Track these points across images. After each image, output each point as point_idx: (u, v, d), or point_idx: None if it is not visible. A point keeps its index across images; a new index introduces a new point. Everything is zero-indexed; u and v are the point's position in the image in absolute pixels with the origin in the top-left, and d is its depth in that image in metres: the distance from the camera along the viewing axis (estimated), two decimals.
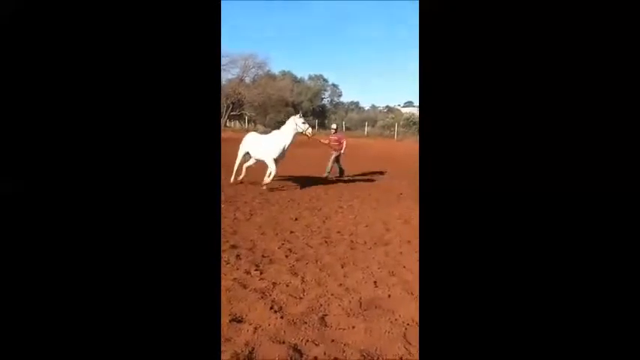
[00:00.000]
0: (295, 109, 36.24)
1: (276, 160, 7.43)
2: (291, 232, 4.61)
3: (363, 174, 10.47)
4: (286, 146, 7.53)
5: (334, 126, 10.88)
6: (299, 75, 42.28)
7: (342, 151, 9.30)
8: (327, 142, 9.69)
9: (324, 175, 9.35)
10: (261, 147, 7.73)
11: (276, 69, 41.82)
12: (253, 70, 36.43)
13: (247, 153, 7.95)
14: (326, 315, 2.60)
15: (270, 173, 7.36)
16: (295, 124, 7.51)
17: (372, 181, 9.36)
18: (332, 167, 9.49)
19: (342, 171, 9.50)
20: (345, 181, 8.97)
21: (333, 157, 9.33)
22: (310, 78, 42.65)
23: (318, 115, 37.93)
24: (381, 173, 10.83)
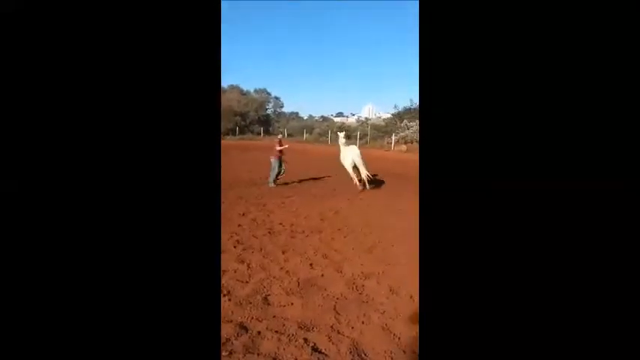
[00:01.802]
0: (242, 117, 35.46)
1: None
2: (239, 225, 4.51)
3: (305, 174, 10.50)
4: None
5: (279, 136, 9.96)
6: (245, 88, 41.37)
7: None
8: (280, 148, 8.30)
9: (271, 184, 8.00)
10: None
11: (224, 83, 40.55)
12: None
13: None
14: (269, 295, 2.59)
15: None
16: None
17: (313, 179, 9.40)
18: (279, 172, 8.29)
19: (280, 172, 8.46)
20: (288, 179, 8.92)
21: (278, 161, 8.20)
22: (255, 91, 41.87)
23: (263, 123, 37.38)
24: (317, 174, 10.94)
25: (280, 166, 8.11)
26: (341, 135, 8.39)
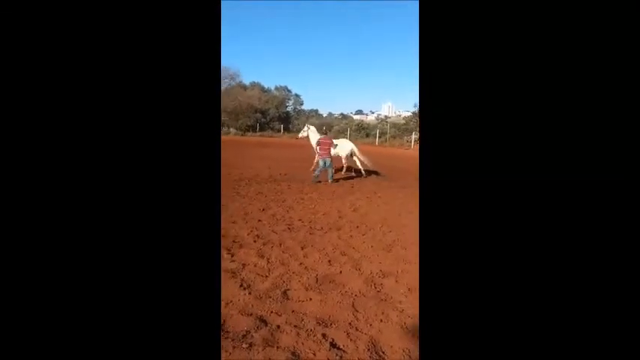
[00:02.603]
0: (263, 114, 35.76)
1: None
2: (259, 220, 4.56)
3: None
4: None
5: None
6: (267, 85, 41.69)
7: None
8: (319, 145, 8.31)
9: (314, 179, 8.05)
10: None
11: (247, 80, 40.99)
12: (226, 80, 35.67)
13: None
14: (288, 290, 2.60)
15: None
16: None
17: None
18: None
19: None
20: (306, 177, 8.94)
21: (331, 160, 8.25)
22: (276, 88, 42.12)
23: (284, 120, 37.59)
24: (339, 170, 10.90)
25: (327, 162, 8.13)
26: (312, 127, 9.08)
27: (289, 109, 42.72)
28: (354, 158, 9.16)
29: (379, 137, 26.90)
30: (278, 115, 37.64)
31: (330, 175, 8.08)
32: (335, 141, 8.74)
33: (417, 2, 1.18)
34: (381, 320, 2.24)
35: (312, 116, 47.25)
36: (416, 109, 27.02)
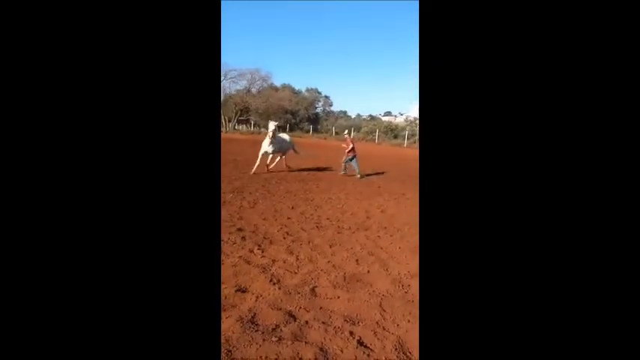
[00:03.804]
0: (293, 115, 36.13)
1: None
2: (288, 218, 4.61)
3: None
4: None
5: (346, 132, 10.30)
6: (297, 87, 42.08)
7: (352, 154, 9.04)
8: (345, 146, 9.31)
9: (340, 173, 9.14)
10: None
11: (278, 82, 41.55)
12: (258, 82, 36.40)
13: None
14: (316, 287, 2.62)
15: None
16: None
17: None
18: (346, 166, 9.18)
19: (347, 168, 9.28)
20: (333, 177, 8.96)
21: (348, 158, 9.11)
22: (307, 90, 42.42)
23: (313, 121, 37.81)
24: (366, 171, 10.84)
25: (352, 160, 8.52)
26: (271, 123, 8.80)
27: (318, 110, 42.94)
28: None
29: (408, 139, 26.44)
30: (307, 116, 37.93)
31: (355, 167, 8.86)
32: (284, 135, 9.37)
33: (417, 2, 1.18)
34: (409, 321, 2.21)
35: (341, 117, 47.18)
36: None
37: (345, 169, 9.20)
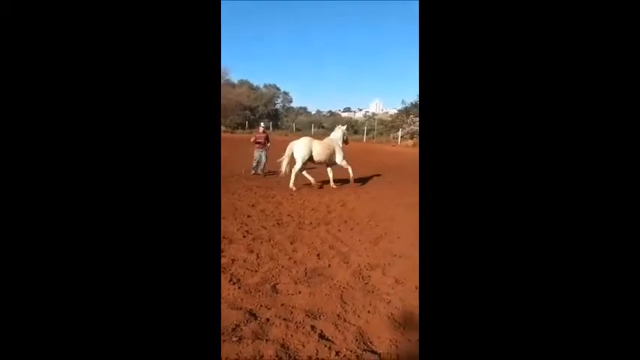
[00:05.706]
0: (252, 112, 35.49)
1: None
2: (248, 216, 4.53)
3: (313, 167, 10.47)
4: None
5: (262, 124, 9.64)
6: (255, 83, 41.32)
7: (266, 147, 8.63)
8: (253, 139, 8.80)
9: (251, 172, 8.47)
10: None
11: (235, 78, 40.54)
12: None
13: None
14: (277, 284, 2.60)
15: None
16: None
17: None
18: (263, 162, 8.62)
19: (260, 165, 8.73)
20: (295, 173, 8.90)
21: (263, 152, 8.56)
22: (265, 86, 41.80)
23: (272, 117, 37.39)
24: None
25: (262, 156, 8.41)
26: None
27: (278, 106, 42.48)
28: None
29: (367, 134, 26.98)
30: (267, 113, 37.42)
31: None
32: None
33: (417, 2, 1.17)
34: (369, 311, 2.25)
35: (301, 114, 47.05)
36: (402, 107, 27.12)
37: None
